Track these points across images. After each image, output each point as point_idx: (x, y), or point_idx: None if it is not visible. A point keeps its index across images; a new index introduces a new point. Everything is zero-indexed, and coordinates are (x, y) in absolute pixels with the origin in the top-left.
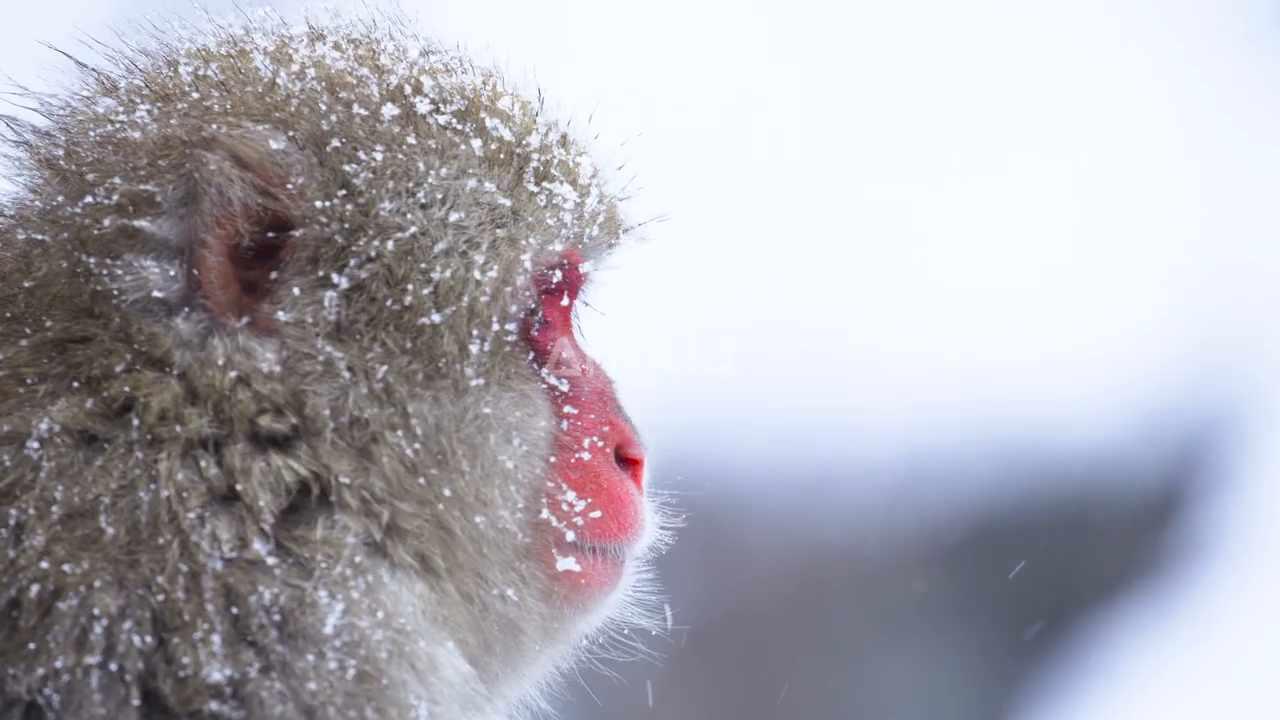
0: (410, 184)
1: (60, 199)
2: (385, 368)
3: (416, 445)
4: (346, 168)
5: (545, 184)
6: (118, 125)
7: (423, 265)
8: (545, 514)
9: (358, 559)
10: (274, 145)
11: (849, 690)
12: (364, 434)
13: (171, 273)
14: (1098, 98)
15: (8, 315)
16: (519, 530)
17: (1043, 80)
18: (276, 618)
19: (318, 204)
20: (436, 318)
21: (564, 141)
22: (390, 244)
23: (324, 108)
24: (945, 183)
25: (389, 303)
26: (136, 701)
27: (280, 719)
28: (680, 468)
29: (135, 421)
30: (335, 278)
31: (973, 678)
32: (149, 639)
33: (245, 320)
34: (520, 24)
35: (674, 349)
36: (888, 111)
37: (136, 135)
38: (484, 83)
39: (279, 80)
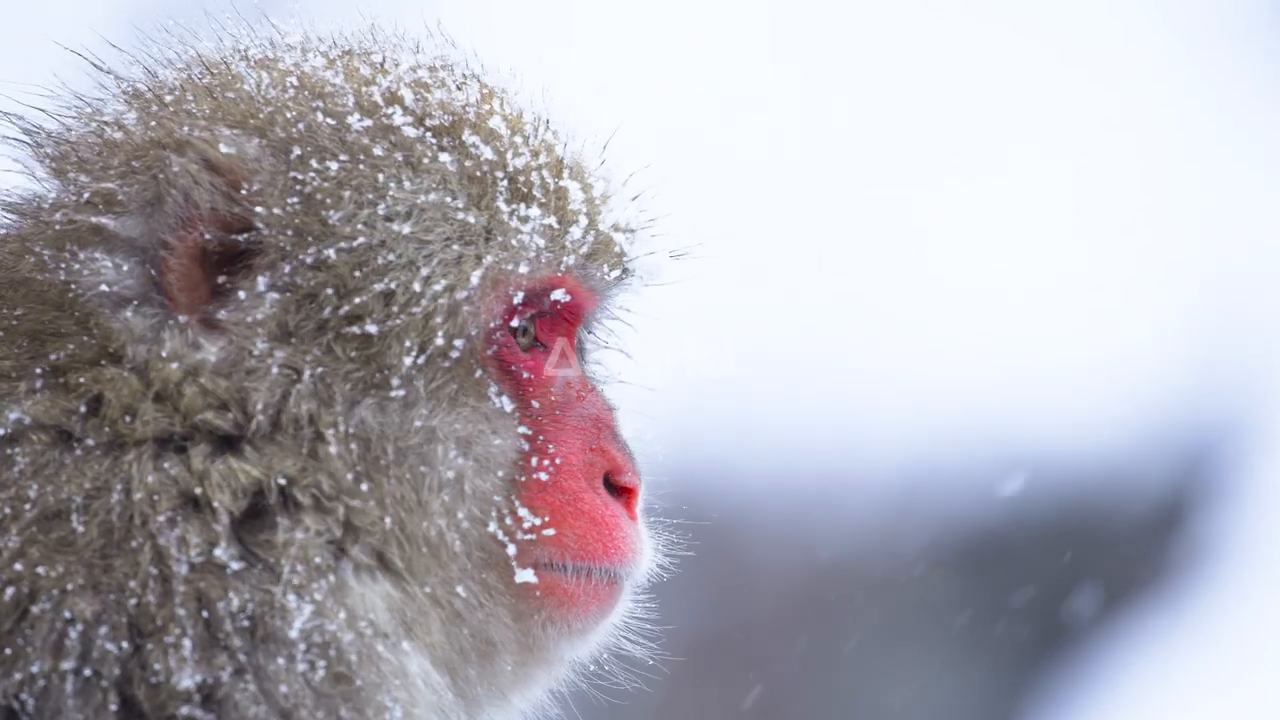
0: (370, 195)
1: (48, 195)
2: (327, 371)
3: (359, 449)
4: (300, 175)
5: (520, 206)
6: (107, 126)
7: (372, 275)
8: (492, 528)
9: (319, 560)
10: (245, 149)
11: (853, 701)
12: (308, 433)
13: (125, 268)
14: (1099, 100)
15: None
16: (470, 541)
17: (1045, 82)
18: (245, 622)
19: (271, 209)
20: (382, 328)
21: (557, 166)
22: (333, 252)
23: (291, 116)
24: (948, 187)
25: (336, 309)
26: (114, 707)
27: None
28: (683, 479)
29: (103, 417)
30: (279, 281)
31: (977, 688)
32: (124, 644)
33: (193, 317)
34: (522, 25)
35: (676, 356)
36: (890, 116)
37: (119, 136)
38: (481, 100)
39: (259, 87)
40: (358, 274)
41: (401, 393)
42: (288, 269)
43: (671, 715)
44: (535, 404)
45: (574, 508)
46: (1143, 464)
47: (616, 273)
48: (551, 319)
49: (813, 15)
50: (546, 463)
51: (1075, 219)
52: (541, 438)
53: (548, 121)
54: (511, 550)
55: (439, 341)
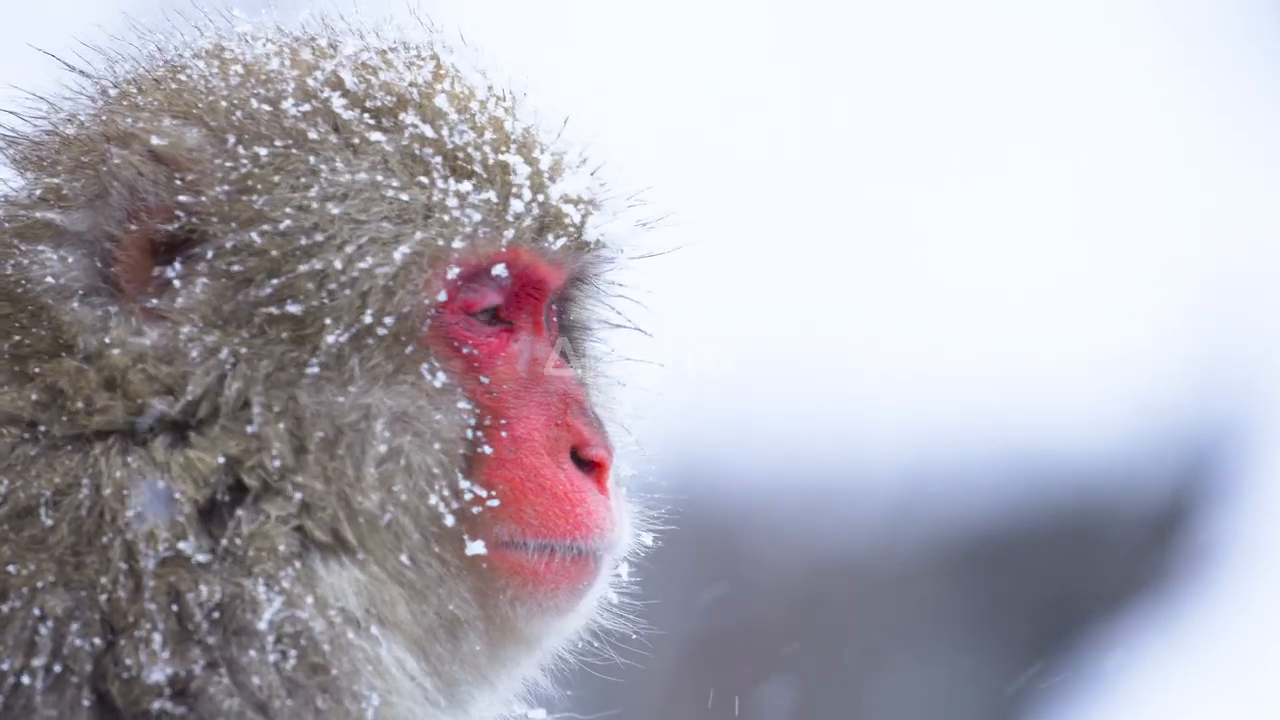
0: (304, 179)
1: (11, 193)
2: (259, 353)
3: (295, 428)
4: (231, 162)
5: (457, 182)
6: (65, 123)
7: (300, 256)
8: (433, 500)
9: (284, 548)
10: (186, 139)
11: (854, 701)
12: (247, 415)
13: (71, 260)
14: (1100, 99)
15: None
16: (417, 516)
17: (1045, 82)
18: (216, 615)
19: (202, 197)
20: (308, 308)
21: (502, 141)
22: (257, 235)
23: (227, 105)
24: (948, 187)
25: (265, 291)
26: (87, 703)
27: (229, 713)
28: (685, 479)
29: (64, 409)
30: (210, 266)
31: (978, 689)
32: (97, 640)
33: (138, 306)
34: (519, 23)
35: (675, 355)
36: (890, 115)
37: (73, 132)
38: (432, 79)
39: (204, 77)
40: (287, 255)
41: (335, 372)
42: (215, 254)
43: (673, 713)
44: (486, 380)
45: (533, 483)
46: (1144, 464)
47: (567, 243)
48: (516, 296)
49: (813, 15)
50: (502, 438)
51: (1076, 218)
52: (493, 414)
53: (504, 98)
54: (450, 521)
55: (367, 319)
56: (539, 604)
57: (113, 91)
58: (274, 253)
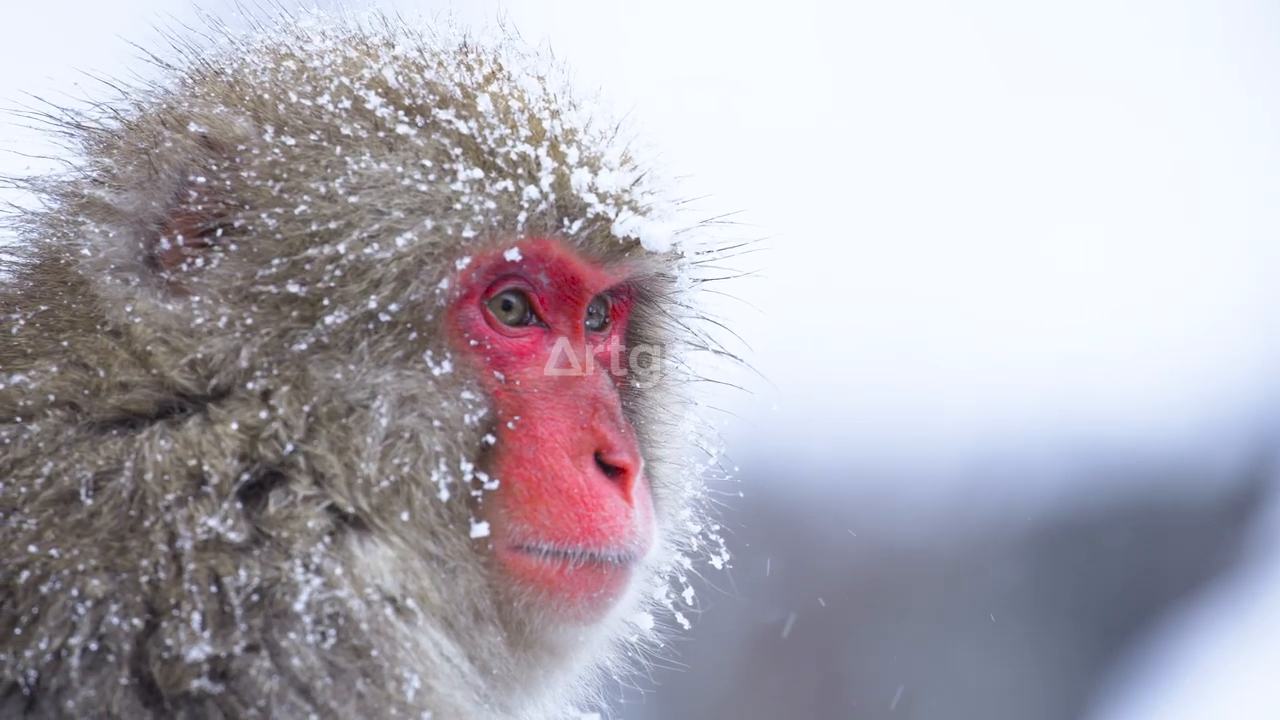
0: (328, 169)
1: (77, 176)
2: (273, 329)
3: (307, 400)
4: (260, 151)
5: (479, 175)
6: (130, 109)
7: (312, 241)
8: (434, 478)
9: (313, 524)
10: (234, 126)
11: (920, 686)
12: (258, 387)
13: (113, 234)
14: (1162, 84)
15: (19, 288)
16: (420, 491)
17: (1106, 70)
18: (256, 597)
19: (228, 181)
20: (314, 289)
21: (536, 137)
22: (268, 217)
23: (270, 97)
24: (1013, 178)
25: (272, 270)
26: (125, 682)
27: (270, 695)
28: (751, 466)
29: (98, 387)
30: (226, 243)
31: (1045, 675)
32: (137, 622)
33: (168, 282)
34: (570, 15)
35: (744, 345)
36: (953, 109)
37: (135, 118)
38: (484, 81)
39: (256, 71)
40: (297, 239)
41: (344, 351)
42: (232, 232)
43: (737, 699)
44: (502, 375)
45: (549, 483)
46: (1212, 449)
47: (592, 235)
48: (554, 296)
49: (868, 19)
50: (517, 434)
51: (1143, 204)
52: (510, 409)
53: (554, 102)
54: (445, 496)
55: (370, 304)
56: (554, 611)
57: (176, 82)
58: (284, 235)
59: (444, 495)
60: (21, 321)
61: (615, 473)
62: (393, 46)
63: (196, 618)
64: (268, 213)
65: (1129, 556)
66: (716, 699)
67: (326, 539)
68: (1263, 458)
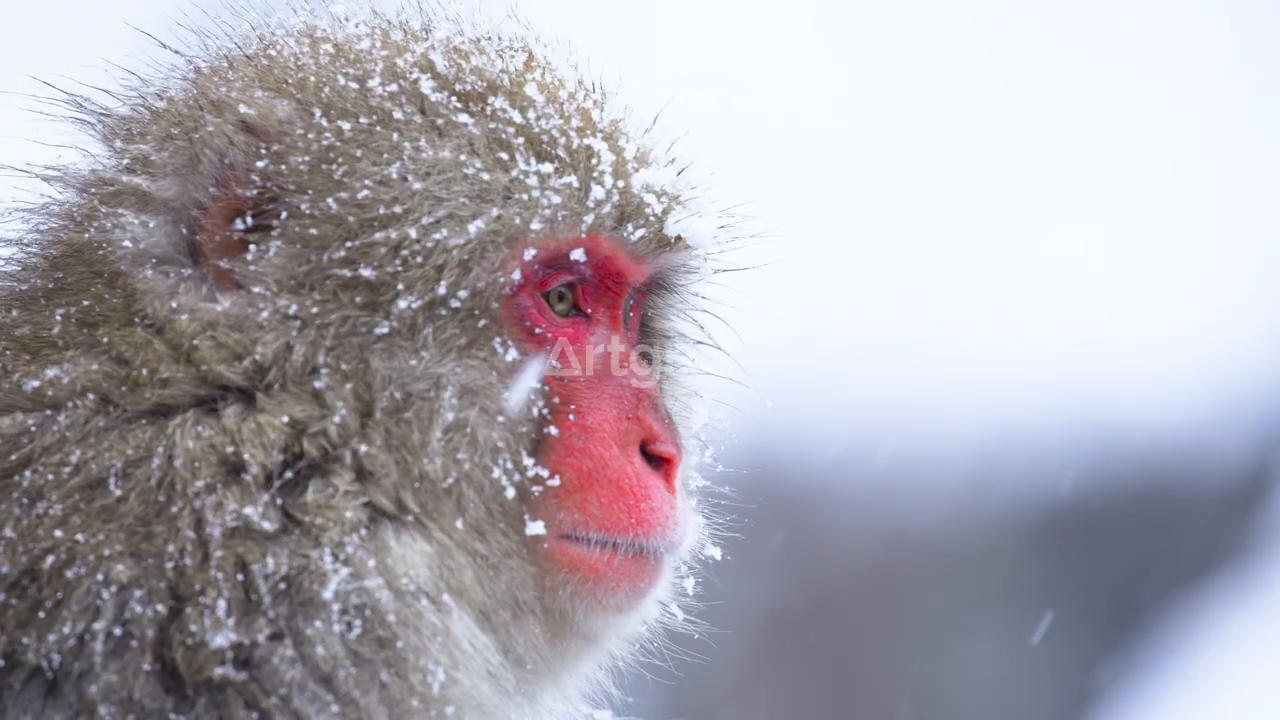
0: (385, 154)
1: (95, 165)
2: (333, 316)
3: (364, 392)
4: (313, 134)
5: (539, 165)
6: (154, 97)
7: (378, 225)
8: (497, 474)
9: (350, 515)
10: (276, 111)
11: (930, 672)
12: (312, 381)
13: (152, 225)
14: (1172, 73)
15: (43, 277)
16: (480, 488)
17: (1116, 58)
18: (283, 585)
19: (283, 166)
20: (382, 274)
21: (588, 129)
22: (333, 202)
23: (317, 80)
24: (1022, 170)
25: (340, 256)
26: (147, 668)
27: (292, 684)
28: (761, 453)
29: (133, 380)
30: (287, 231)
31: (1053, 661)
32: (161, 608)
33: (213, 271)
34: (597, 21)
35: (756, 333)
36: (963, 98)
37: (163, 106)
38: (524, 68)
39: (294, 54)
40: (363, 224)
41: (407, 339)
42: (295, 220)
43: (748, 686)
44: (559, 365)
45: (599, 473)
46: (1221, 437)
47: (647, 235)
48: (595, 287)
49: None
50: (571, 424)
51: (1150, 194)
52: (564, 399)
53: (594, 88)
54: (511, 494)
55: (440, 290)
56: (598, 601)
57: (206, 67)
58: (350, 219)
59: (510, 493)
60: (58, 315)
61: (658, 463)
62: (428, 33)
63: (222, 604)
64: (333, 198)
65: (1137, 542)
66: (724, 686)
67: (362, 531)
68: (1270, 445)
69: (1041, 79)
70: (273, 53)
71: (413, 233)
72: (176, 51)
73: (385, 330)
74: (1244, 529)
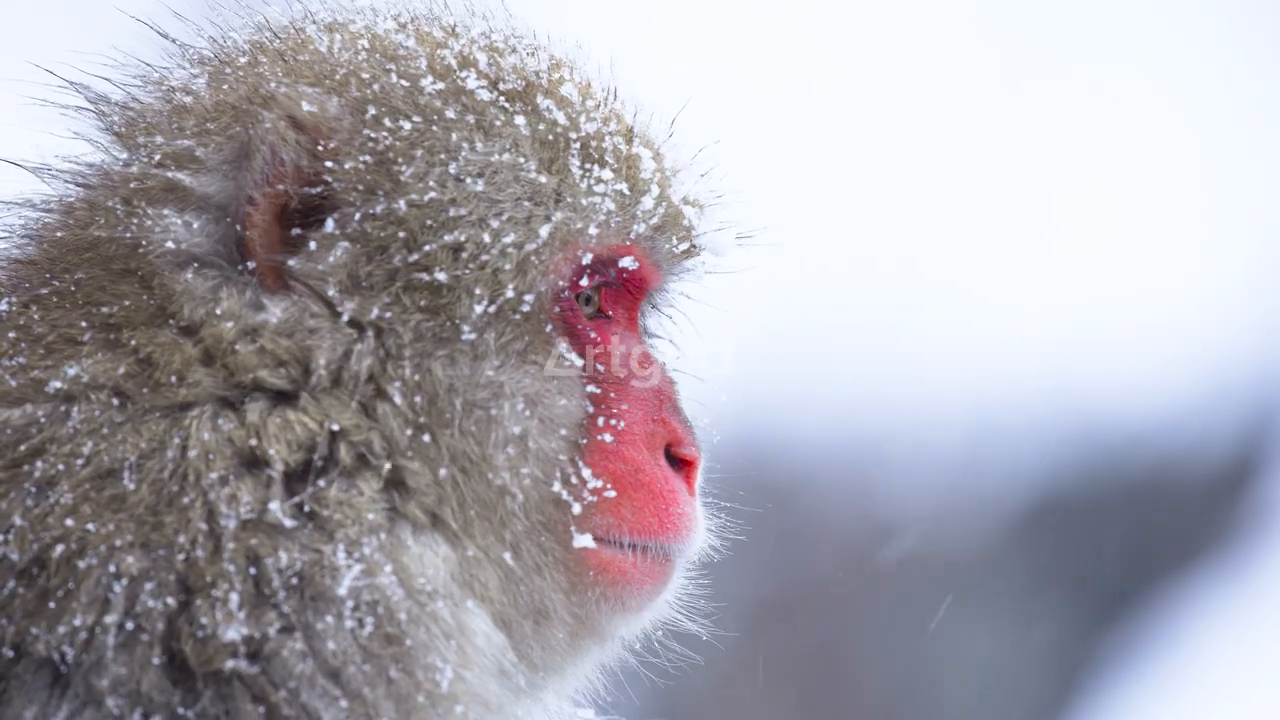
0: (443, 155)
1: (116, 161)
2: (396, 320)
3: (423, 402)
4: (373, 133)
5: (593, 169)
6: (175, 91)
7: (443, 228)
8: (557, 487)
9: (372, 517)
10: (327, 107)
11: (915, 663)
12: (368, 389)
13: (196, 225)
14: (1163, 61)
15: (61, 276)
16: (530, 501)
17: (1105, 46)
18: (294, 580)
19: (345, 165)
20: (451, 277)
21: (628, 134)
22: (404, 204)
23: (367, 77)
24: (1009, 150)
25: (406, 259)
26: (157, 661)
27: (301, 677)
28: (745, 443)
29: (154, 380)
30: (350, 231)
31: (1042, 649)
32: (171, 600)
33: (262, 269)
34: (602, 20)
35: (740, 322)
36: (949, 85)
37: (189, 101)
38: (551, 68)
39: (331, 50)
40: (429, 226)
41: (471, 344)
42: (359, 219)
43: (733, 675)
44: (600, 369)
45: (635, 478)
46: (1208, 425)
47: (684, 247)
48: (616, 290)
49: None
50: (612, 428)
51: (1139, 179)
52: (606, 404)
53: (616, 91)
54: (577, 510)
55: (509, 294)
56: (622, 602)
57: (223, 61)
58: (416, 223)
59: (576, 509)
60: (78, 314)
61: (679, 465)
62: (457, 30)
63: (234, 598)
64: (404, 199)
65: (1124, 530)
66: (712, 676)
67: (381, 534)
68: (1258, 432)
69: (1034, 64)
70: (309, 47)
71: (485, 236)
72: (180, 43)
73: (450, 335)
74: (1231, 516)
